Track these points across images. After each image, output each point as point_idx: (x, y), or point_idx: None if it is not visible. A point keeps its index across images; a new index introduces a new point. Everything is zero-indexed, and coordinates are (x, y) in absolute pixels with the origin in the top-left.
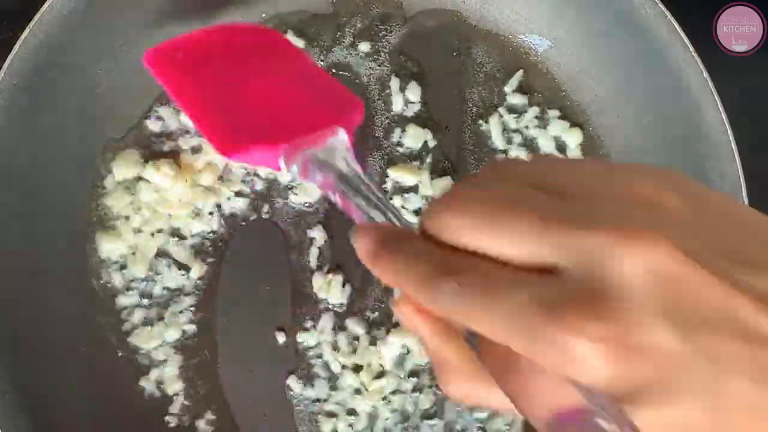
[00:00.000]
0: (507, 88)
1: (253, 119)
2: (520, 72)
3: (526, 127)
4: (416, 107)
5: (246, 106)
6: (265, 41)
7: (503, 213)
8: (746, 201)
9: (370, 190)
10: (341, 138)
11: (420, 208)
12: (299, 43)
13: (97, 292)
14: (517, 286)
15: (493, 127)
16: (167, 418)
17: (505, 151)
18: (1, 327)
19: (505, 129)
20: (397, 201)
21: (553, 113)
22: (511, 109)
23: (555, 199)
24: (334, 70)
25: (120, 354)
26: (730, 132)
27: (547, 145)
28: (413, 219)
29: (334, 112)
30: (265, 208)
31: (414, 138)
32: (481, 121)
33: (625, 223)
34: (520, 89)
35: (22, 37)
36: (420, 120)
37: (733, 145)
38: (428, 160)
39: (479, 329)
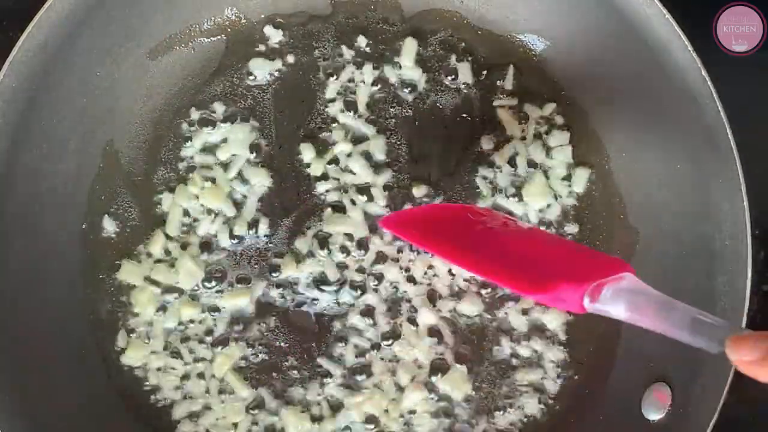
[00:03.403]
0: (505, 83)
1: (551, 264)
2: (511, 67)
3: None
4: (415, 108)
5: (534, 254)
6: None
7: None
8: (746, 201)
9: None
10: (629, 275)
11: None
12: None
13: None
14: None
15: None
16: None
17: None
18: (1, 328)
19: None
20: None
21: (552, 113)
22: (510, 109)
23: None
24: (334, 70)
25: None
26: (729, 132)
27: (539, 151)
28: None
29: (608, 258)
30: None
31: (415, 139)
32: (481, 122)
33: None
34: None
35: (22, 38)
36: (419, 121)
37: (733, 145)
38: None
39: None
